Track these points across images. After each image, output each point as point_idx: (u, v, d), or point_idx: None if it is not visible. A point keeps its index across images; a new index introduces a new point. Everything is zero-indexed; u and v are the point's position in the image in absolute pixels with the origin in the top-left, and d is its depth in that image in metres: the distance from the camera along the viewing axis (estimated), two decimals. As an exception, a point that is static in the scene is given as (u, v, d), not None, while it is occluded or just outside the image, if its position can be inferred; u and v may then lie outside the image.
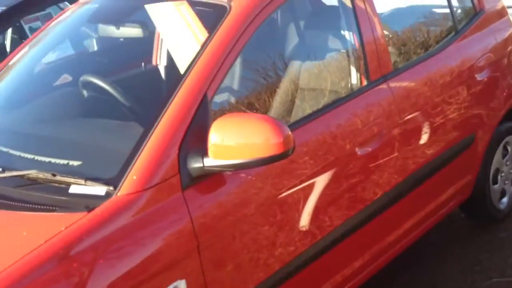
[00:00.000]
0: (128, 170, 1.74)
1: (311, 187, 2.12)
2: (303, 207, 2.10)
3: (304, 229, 2.10)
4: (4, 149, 2.03)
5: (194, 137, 1.82)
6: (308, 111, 2.30)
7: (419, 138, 2.58)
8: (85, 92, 2.22)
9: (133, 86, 2.22)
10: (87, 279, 1.56)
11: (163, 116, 1.83)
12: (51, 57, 2.49)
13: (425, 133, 2.61)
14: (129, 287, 1.62)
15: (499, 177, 3.20)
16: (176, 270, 1.73)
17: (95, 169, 1.84)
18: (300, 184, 2.07)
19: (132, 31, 2.34)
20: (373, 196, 2.39)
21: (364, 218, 2.38)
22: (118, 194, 1.71)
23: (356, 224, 2.33)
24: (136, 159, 1.76)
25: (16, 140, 2.11)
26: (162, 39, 2.08)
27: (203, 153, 1.80)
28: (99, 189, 1.72)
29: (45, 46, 2.52)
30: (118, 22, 2.42)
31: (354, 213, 2.31)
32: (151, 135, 1.80)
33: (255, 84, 2.42)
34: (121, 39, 2.50)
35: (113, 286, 1.59)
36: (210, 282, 1.82)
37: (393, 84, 2.50)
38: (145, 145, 1.79)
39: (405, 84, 2.56)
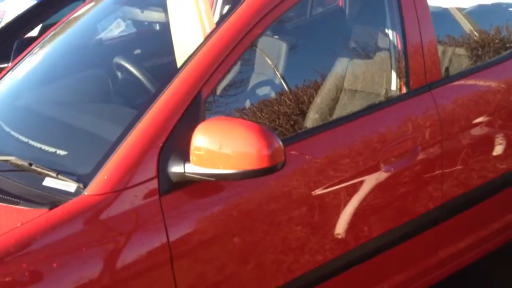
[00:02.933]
0: (102, 168, 1.63)
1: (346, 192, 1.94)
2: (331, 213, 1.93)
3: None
4: (7, 129, 1.98)
5: (180, 139, 1.66)
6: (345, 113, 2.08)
7: (463, 159, 2.26)
8: (95, 78, 2.13)
9: (135, 77, 2.09)
10: (37, 282, 1.46)
11: (147, 112, 1.69)
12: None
13: (472, 154, 2.28)
14: None
15: None
16: (143, 281, 1.60)
17: (76, 162, 1.74)
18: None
19: (155, 15, 2.20)
20: (413, 212, 2.15)
21: (407, 233, 2.15)
22: (86, 193, 1.60)
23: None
24: (111, 157, 1.64)
25: (20, 121, 2.06)
26: (172, 28, 1.93)
27: (186, 157, 1.64)
28: (70, 186, 1.61)
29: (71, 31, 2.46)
30: (142, 5, 2.30)
31: (394, 226, 2.09)
32: (132, 131, 1.67)
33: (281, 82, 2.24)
34: (146, 23, 2.39)
35: None
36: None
37: (439, 94, 2.19)
38: (123, 142, 1.66)
39: (454, 96, 2.24)
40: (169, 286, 1.64)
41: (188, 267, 1.67)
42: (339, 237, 2.00)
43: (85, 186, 1.61)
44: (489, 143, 2.36)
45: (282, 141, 1.86)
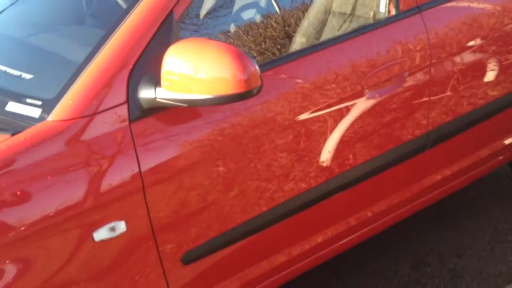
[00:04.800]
0: (67, 93, 1.53)
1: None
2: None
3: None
4: None
5: (151, 62, 1.56)
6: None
7: (451, 86, 2.17)
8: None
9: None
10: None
11: (116, 32, 1.57)
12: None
13: (462, 80, 2.19)
14: (48, 226, 1.46)
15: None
16: (112, 210, 1.55)
17: (41, 86, 1.64)
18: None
19: None
20: (399, 139, 2.10)
21: (391, 160, 2.10)
22: (50, 119, 1.51)
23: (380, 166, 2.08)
24: (77, 81, 1.54)
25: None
26: None
27: (157, 82, 1.55)
28: (34, 111, 1.53)
29: None
30: None
31: (380, 153, 2.05)
32: (99, 53, 1.56)
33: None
34: None
35: (31, 222, 1.43)
36: (159, 228, 1.64)
37: (429, 17, 2.07)
38: (90, 65, 1.55)
39: (445, 18, 2.12)
40: (140, 214, 1.59)
41: (160, 195, 1.62)
42: (324, 164, 1.95)
43: (49, 112, 1.52)
44: (480, 69, 2.27)
45: (267, 63, 1.79)
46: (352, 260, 2.47)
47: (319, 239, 2.07)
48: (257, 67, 1.51)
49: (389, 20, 2.03)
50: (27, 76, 1.67)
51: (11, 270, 1.43)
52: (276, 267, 1.98)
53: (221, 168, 1.71)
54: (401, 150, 2.14)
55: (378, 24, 2.03)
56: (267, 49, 1.95)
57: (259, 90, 1.52)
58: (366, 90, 1.95)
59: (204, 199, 1.71)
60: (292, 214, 1.93)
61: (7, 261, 1.42)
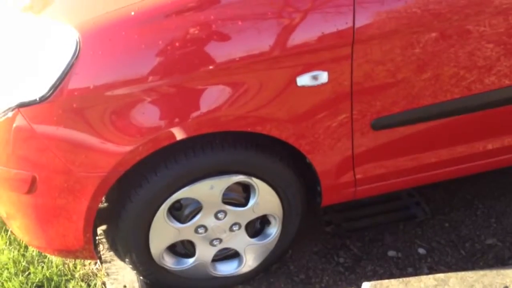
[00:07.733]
0: None
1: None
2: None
3: None
4: None
5: None
6: None
7: None
8: None
9: None
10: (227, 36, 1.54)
11: None
12: None
13: None
14: (261, 60, 1.56)
15: None
16: (319, 59, 1.60)
17: None
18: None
19: None
20: None
21: None
22: None
23: None
24: None
25: None
26: None
27: None
28: None
29: None
30: None
31: None
32: None
33: None
34: None
35: (255, 53, 1.54)
36: (358, 87, 1.67)
37: None
38: None
39: None
40: (346, 68, 1.63)
41: (366, 55, 1.63)
42: None
43: None
44: None
45: None
46: None
47: (508, 142, 1.96)
48: None
49: None
50: None
51: (222, 92, 1.57)
52: (453, 159, 1.94)
53: (417, 43, 1.66)
54: None
55: None
56: None
57: None
58: None
59: (395, 75, 1.69)
60: (488, 107, 1.85)
61: (218, 83, 1.56)
